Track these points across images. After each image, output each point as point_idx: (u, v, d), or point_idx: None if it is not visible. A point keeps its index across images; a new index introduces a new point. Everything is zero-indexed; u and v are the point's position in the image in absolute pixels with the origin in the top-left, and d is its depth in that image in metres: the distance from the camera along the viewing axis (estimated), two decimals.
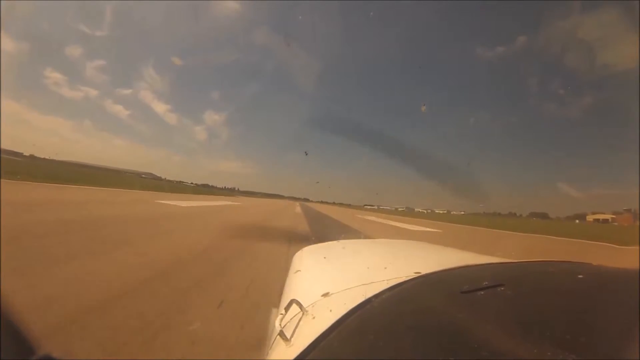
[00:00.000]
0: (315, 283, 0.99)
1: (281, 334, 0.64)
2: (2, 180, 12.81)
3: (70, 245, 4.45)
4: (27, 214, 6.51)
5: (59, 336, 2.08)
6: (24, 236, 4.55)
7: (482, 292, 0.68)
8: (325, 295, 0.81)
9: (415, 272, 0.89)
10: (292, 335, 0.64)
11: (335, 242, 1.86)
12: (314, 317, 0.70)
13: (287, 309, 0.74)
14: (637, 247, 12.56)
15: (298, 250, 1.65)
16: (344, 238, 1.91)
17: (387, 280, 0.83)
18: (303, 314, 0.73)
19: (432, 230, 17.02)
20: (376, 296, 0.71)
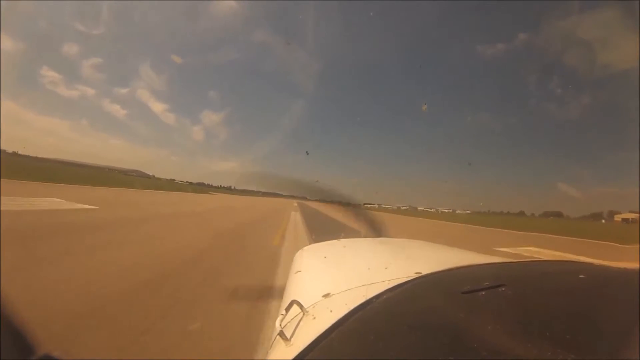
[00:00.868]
0: (315, 283, 0.99)
1: (281, 334, 0.64)
2: None
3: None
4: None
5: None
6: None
7: (483, 292, 0.68)
8: (326, 295, 0.81)
9: (416, 273, 0.89)
10: (292, 336, 0.64)
11: (335, 241, 1.85)
12: (314, 318, 0.70)
13: (287, 309, 0.74)
14: None
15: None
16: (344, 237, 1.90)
17: (388, 280, 0.83)
18: (303, 314, 0.72)
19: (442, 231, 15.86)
20: (377, 297, 0.71)
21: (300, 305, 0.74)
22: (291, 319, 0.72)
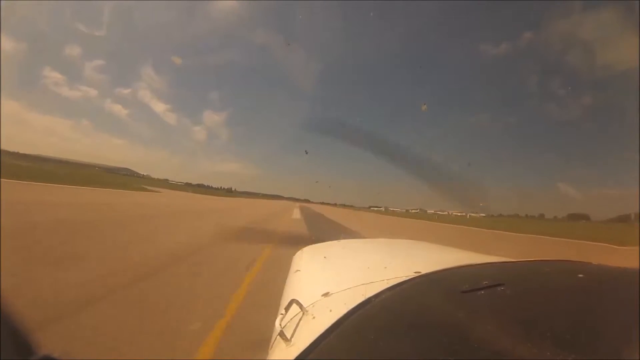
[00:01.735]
0: (315, 283, 0.99)
1: (281, 334, 0.64)
2: None
3: None
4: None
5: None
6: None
7: (482, 292, 0.68)
8: (326, 295, 0.81)
9: (415, 272, 0.89)
10: (292, 335, 0.64)
11: (335, 241, 1.85)
12: (314, 317, 0.70)
13: (287, 309, 0.74)
14: None
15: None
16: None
17: (387, 280, 0.83)
18: (303, 314, 0.73)
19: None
20: (376, 296, 0.71)
21: (300, 305, 0.74)
22: (291, 319, 0.72)
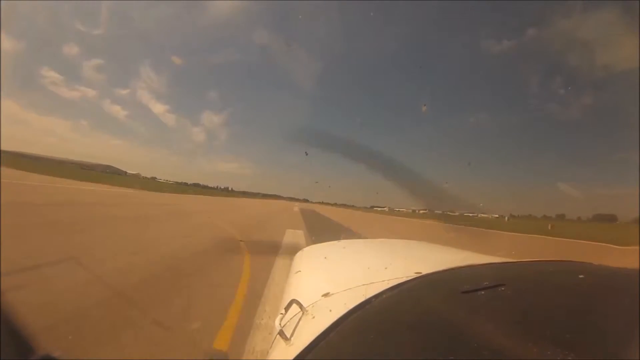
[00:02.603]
0: (315, 283, 0.99)
1: (281, 333, 0.64)
2: None
3: None
4: None
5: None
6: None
7: (483, 292, 0.68)
8: (326, 295, 0.81)
9: (416, 272, 0.89)
10: (291, 335, 0.64)
11: (335, 242, 1.85)
12: (313, 317, 0.70)
13: (287, 308, 0.74)
14: None
15: None
16: None
17: (388, 280, 0.83)
18: (303, 313, 0.73)
19: None
20: (376, 296, 0.71)
21: (300, 305, 0.74)
22: (290, 318, 0.72)
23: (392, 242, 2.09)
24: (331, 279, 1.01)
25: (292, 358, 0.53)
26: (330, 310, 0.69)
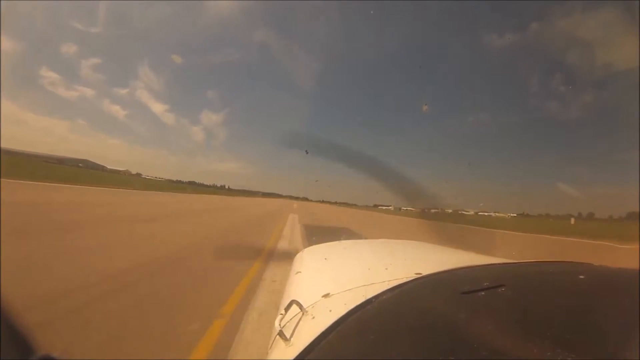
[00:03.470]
0: (315, 284, 0.99)
1: (280, 333, 0.64)
2: None
3: None
4: None
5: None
6: None
7: (483, 293, 0.68)
8: (326, 296, 0.81)
9: (416, 273, 0.89)
10: (291, 335, 0.64)
11: (336, 242, 1.85)
12: (313, 318, 0.70)
13: (287, 309, 0.74)
14: None
15: None
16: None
17: (388, 281, 0.83)
18: (303, 314, 0.73)
19: None
20: (376, 297, 0.71)
21: (300, 305, 0.74)
22: (290, 319, 0.72)
23: (392, 242, 2.09)
24: (331, 279, 1.01)
25: (292, 358, 0.53)
26: (330, 311, 0.69)
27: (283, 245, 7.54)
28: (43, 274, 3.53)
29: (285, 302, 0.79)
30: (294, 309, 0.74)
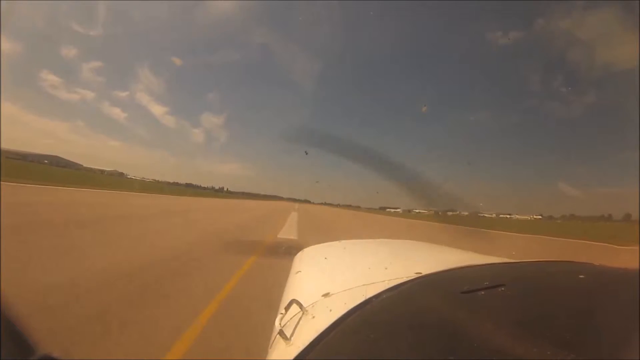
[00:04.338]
0: (315, 283, 0.99)
1: (281, 333, 0.64)
2: None
3: None
4: None
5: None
6: None
7: (483, 293, 0.68)
8: (326, 295, 0.81)
9: (416, 273, 0.89)
10: (291, 335, 0.64)
11: (336, 242, 1.86)
12: (313, 317, 0.70)
13: (287, 308, 0.74)
14: None
15: None
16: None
17: (388, 280, 0.83)
18: (303, 313, 0.73)
19: None
20: (376, 296, 0.71)
21: (300, 305, 0.74)
22: (290, 318, 0.72)
23: (392, 242, 2.09)
24: (331, 279, 1.01)
25: (292, 358, 0.53)
26: (330, 310, 0.69)
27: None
28: None
29: (286, 302, 0.79)
30: (294, 308, 0.74)
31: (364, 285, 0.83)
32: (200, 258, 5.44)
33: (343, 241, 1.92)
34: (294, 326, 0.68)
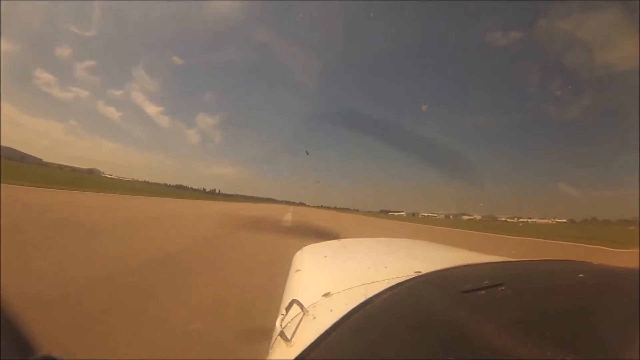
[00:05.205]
0: (315, 283, 0.99)
1: (282, 334, 0.64)
2: None
3: None
4: None
5: None
6: None
7: (483, 292, 0.68)
8: (326, 295, 0.81)
9: (416, 272, 0.89)
10: (292, 336, 0.64)
11: (335, 241, 1.86)
12: (314, 317, 0.70)
13: (287, 309, 0.74)
14: None
15: None
16: None
17: (388, 279, 0.83)
18: (304, 314, 0.72)
19: None
20: (377, 296, 0.71)
21: (301, 305, 0.74)
22: (291, 319, 0.72)
23: (391, 241, 2.09)
24: (331, 278, 1.00)
25: (293, 359, 0.53)
26: (331, 310, 0.69)
27: None
28: None
29: (286, 302, 0.79)
30: (295, 308, 0.74)
31: (364, 284, 0.83)
32: None
33: (342, 240, 1.92)
34: (294, 327, 0.68)
